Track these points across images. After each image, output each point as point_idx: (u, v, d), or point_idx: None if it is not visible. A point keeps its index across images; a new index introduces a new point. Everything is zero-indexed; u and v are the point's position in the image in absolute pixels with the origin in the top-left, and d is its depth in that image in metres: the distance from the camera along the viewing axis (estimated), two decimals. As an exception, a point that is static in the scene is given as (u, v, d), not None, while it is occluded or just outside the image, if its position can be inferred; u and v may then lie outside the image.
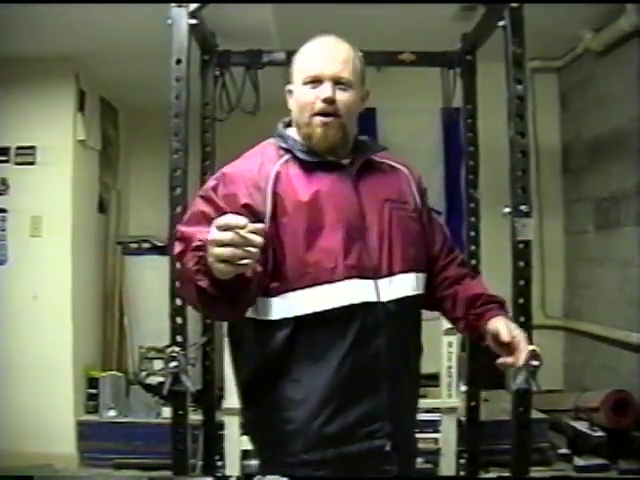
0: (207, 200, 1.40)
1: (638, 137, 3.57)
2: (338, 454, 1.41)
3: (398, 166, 1.59)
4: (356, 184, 1.47)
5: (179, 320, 2.16)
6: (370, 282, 1.41)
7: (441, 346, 3.20)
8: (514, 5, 2.21)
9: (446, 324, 3.23)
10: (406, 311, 1.47)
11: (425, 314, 1.58)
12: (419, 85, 3.40)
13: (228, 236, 1.10)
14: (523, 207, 2.21)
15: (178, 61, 2.21)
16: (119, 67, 3.85)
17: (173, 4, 2.24)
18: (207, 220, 1.29)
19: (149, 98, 3.45)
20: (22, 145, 3.81)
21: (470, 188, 2.91)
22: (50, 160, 3.81)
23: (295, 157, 1.46)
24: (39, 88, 3.77)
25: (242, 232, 1.09)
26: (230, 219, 1.11)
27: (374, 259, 1.43)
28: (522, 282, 2.20)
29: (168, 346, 2.12)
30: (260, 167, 1.44)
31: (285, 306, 1.40)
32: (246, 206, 1.37)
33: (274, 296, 1.40)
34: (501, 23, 2.25)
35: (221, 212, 1.29)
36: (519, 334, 1.40)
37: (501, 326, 1.42)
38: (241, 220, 1.11)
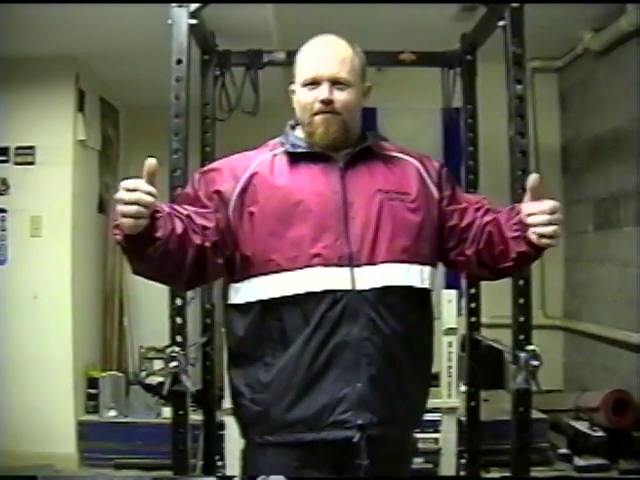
0: (192, 182, 1.55)
1: (638, 137, 3.57)
2: (302, 439, 1.43)
3: (406, 157, 1.57)
4: (344, 174, 1.48)
5: (179, 320, 2.15)
6: (343, 270, 1.42)
7: (441, 346, 3.20)
8: (514, 5, 2.20)
9: (446, 324, 3.24)
10: (391, 301, 1.44)
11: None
12: (419, 85, 3.40)
13: (133, 196, 1.21)
14: (523, 207, 2.20)
15: (178, 61, 2.20)
16: (119, 67, 3.85)
17: (173, 4, 2.24)
18: (188, 200, 1.49)
19: (149, 98, 3.45)
20: (22, 145, 3.82)
21: (470, 188, 2.90)
22: (50, 160, 3.81)
23: (286, 150, 1.52)
24: (39, 88, 3.77)
25: (137, 194, 1.22)
26: (131, 182, 1.22)
27: (354, 247, 1.43)
28: (522, 282, 2.18)
29: (168, 346, 2.11)
30: (248, 158, 1.52)
31: (250, 291, 1.46)
32: (217, 192, 1.48)
33: (241, 281, 1.47)
34: (501, 23, 2.24)
35: (196, 194, 1.49)
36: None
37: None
38: (138, 183, 1.22)
